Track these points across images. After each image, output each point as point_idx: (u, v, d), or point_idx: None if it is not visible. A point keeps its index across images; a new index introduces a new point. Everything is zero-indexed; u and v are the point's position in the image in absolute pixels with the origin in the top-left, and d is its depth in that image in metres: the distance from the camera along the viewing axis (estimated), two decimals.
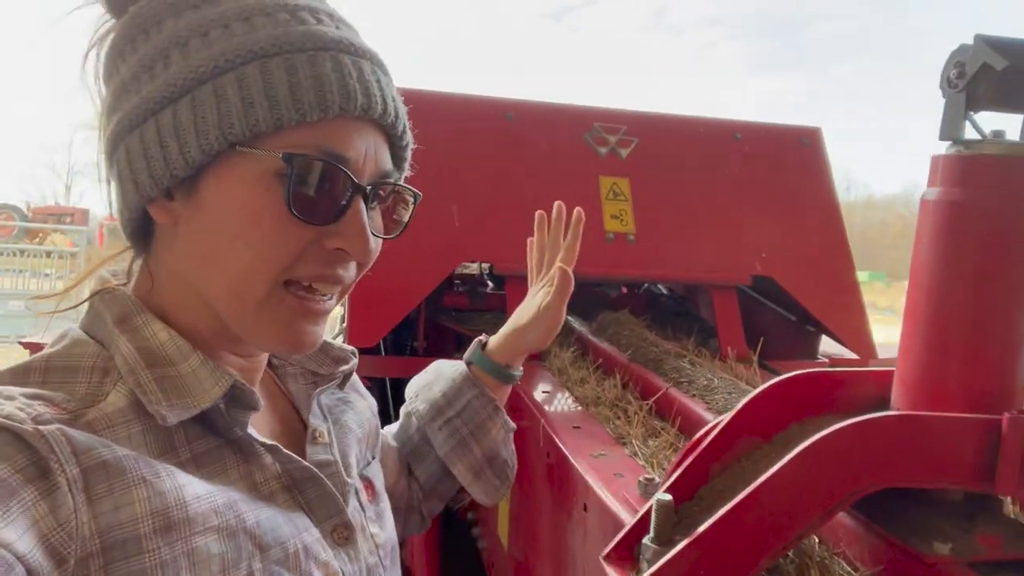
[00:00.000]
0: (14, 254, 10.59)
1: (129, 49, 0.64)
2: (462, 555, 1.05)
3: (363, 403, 0.91)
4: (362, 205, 0.65)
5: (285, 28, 0.62)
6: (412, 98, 1.81)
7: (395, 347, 2.06)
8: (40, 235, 15.03)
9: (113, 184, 0.67)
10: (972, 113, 0.67)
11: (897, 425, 0.66)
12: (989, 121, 0.67)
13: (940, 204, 0.69)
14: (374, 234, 0.67)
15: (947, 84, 0.69)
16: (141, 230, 0.68)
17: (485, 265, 2.09)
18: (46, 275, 10.37)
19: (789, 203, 1.93)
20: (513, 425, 1.04)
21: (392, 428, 1.08)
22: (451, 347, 2.02)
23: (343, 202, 0.63)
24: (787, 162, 1.96)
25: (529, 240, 1.13)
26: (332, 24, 0.65)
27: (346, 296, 0.72)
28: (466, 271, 2.21)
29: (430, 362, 1.88)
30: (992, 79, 0.64)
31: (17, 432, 0.52)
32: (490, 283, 2.14)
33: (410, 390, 1.06)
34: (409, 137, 0.72)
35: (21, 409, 0.54)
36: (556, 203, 1.11)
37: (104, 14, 0.68)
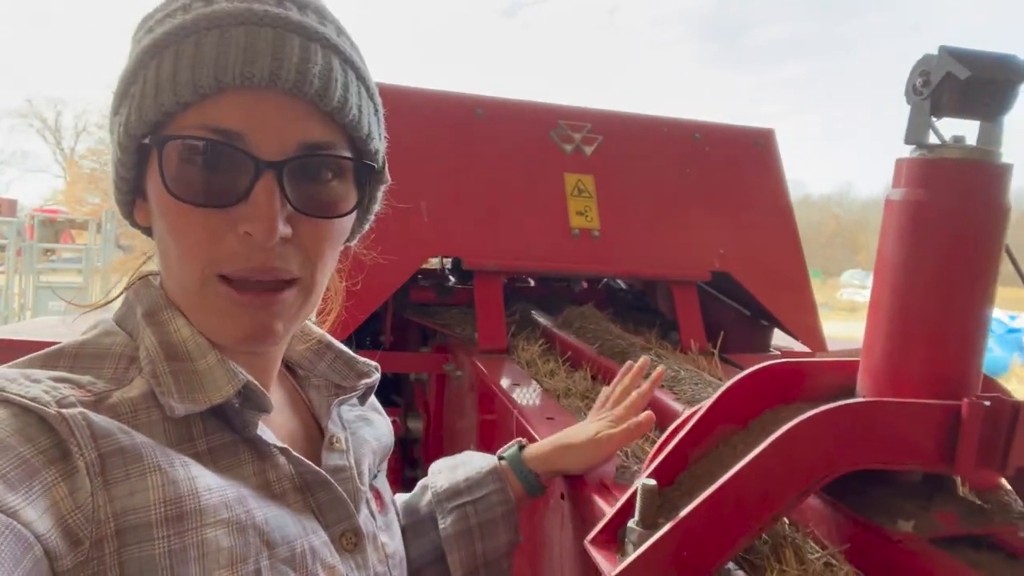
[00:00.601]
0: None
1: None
2: None
3: (381, 420, 0.90)
4: (273, 183, 0.60)
5: (188, 15, 0.60)
6: (382, 92, 1.81)
7: (360, 341, 2.06)
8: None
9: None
10: (935, 119, 0.72)
11: (866, 411, 0.70)
12: (950, 127, 0.72)
13: (904, 204, 0.73)
14: (305, 212, 0.62)
15: (912, 91, 0.73)
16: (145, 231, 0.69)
17: (447, 260, 2.11)
18: None
19: (745, 202, 1.99)
20: (520, 539, 0.96)
21: (400, 498, 1.02)
22: (417, 340, 2.03)
23: (247, 181, 0.59)
24: (743, 162, 2.03)
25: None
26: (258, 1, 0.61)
27: (312, 291, 0.67)
28: (427, 266, 2.21)
29: (397, 355, 1.91)
30: (955, 88, 0.68)
31: (41, 414, 0.53)
32: (452, 278, 2.16)
33: (435, 467, 1.02)
34: (355, 114, 0.64)
35: (47, 392, 0.55)
36: (643, 359, 1.10)
37: None
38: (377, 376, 0.85)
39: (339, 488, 0.71)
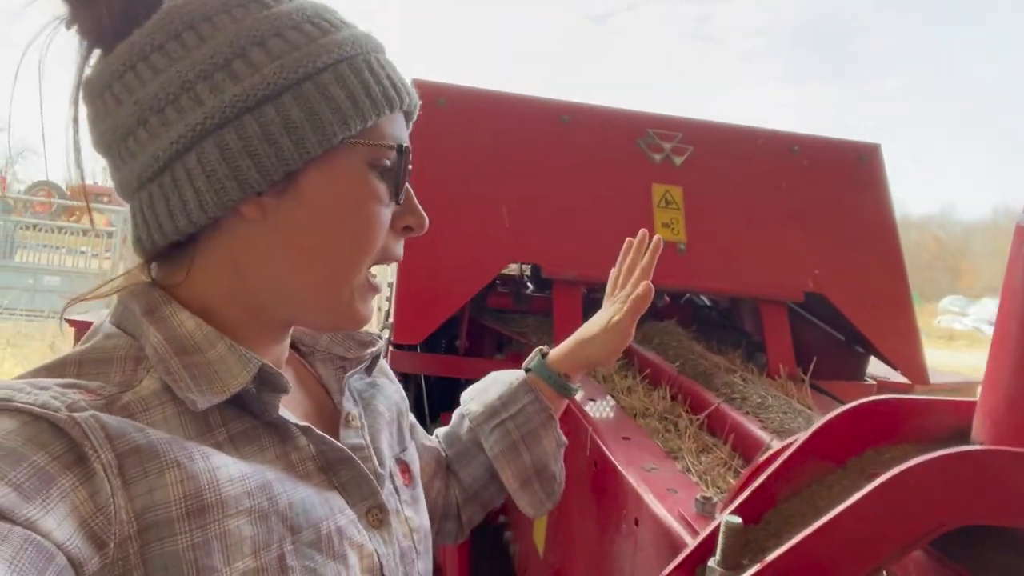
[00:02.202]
0: (52, 230, 10.80)
1: (176, 46, 0.63)
2: (492, 558, 1.03)
3: (391, 387, 0.91)
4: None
5: (349, 31, 0.67)
6: (468, 96, 1.81)
7: (436, 345, 2.06)
8: (77, 213, 15.27)
9: (174, 188, 0.64)
10: None
11: (988, 460, 0.63)
12: None
13: None
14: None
15: None
16: (179, 236, 0.68)
17: (526, 267, 2.08)
18: (82, 252, 10.56)
19: (845, 220, 1.88)
20: (565, 440, 1.02)
21: (441, 431, 1.07)
22: (492, 347, 2.01)
23: (401, 184, 0.70)
24: (844, 178, 1.92)
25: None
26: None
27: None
28: (506, 272, 2.19)
29: (471, 361, 1.89)
30: None
31: (52, 420, 0.53)
32: (530, 285, 2.13)
33: (466, 395, 1.05)
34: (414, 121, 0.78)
35: (56, 398, 0.55)
36: (641, 231, 1.12)
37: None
38: (381, 344, 0.86)
39: (362, 465, 0.72)
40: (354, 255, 0.68)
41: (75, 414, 0.54)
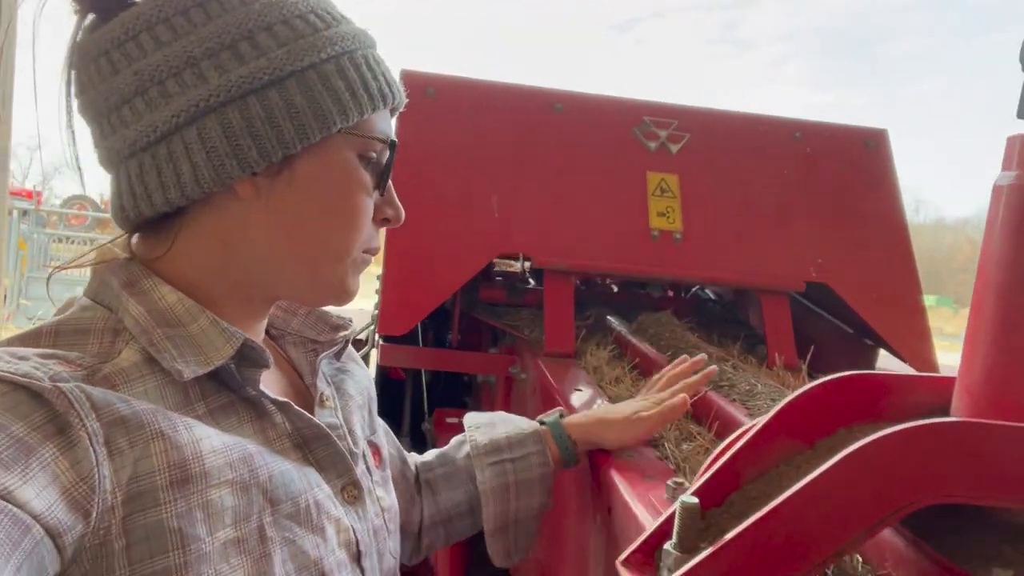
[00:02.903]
0: (85, 243, 11.02)
1: (183, 21, 0.64)
2: (484, 557, 1.00)
3: (360, 372, 0.91)
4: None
5: (349, 26, 0.70)
6: (458, 86, 1.79)
7: (438, 340, 2.03)
8: (111, 226, 15.59)
9: (169, 159, 0.64)
10: None
11: (957, 433, 0.58)
12: None
13: (1016, 189, 0.61)
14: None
15: None
16: (166, 209, 0.68)
17: (527, 263, 2.05)
18: None
19: (850, 208, 1.82)
20: (551, 504, 1.00)
21: (433, 451, 1.05)
22: (486, 341, 1.98)
23: (385, 176, 0.73)
24: (849, 165, 1.86)
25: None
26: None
27: None
28: (508, 269, 2.17)
29: (463, 355, 1.87)
30: None
31: (35, 389, 0.53)
32: (531, 280, 2.10)
33: (469, 422, 1.04)
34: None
35: (37, 368, 0.55)
36: (702, 355, 1.13)
37: None
38: (353, 327, 0.86)
39: (338, 442, 0.73)
40: (343, 240, 0.70)
41: (59, 384, 0.54)
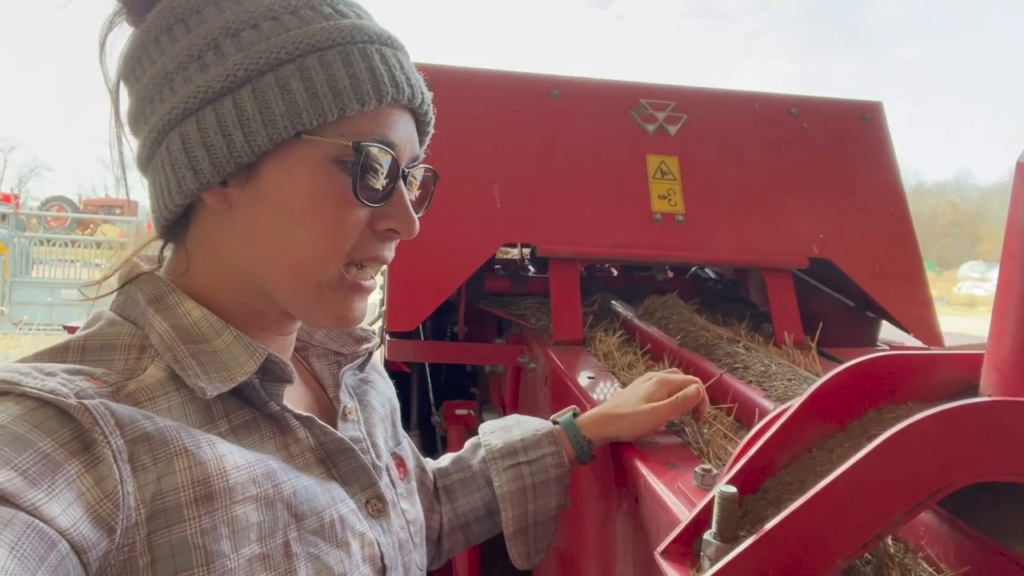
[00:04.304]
0: (66, 244, 10.89)
1: (167, 39, 0.65)
2: (502, 548, 1.00)
3: (383, 383, 0.91)
4: (403, 187, 0.69)
5: (334, 22, 0.65)
6: (454, 77, 1.77)
7: (436, 332, 2.03)
8: (91, 226, 15.45)
9: (159, 172, 0.67)
10: None
11: (992, 412, 0.59)
12: None
13: None
14: (417, 213, 0.71)
15: None
16: (183, 215, 0.70)
17: (526, 249, 2.04)
18: (97, 265, 10.65)
19: (848, 182, 1.82)
20: (568, 504, 1.00)
21: (449, 455, 1.05)
22: (492, 332, 1.98)
23: (390, 184, 0.67)
24: (846, 139, 1.86)
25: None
26: (367, 18, 0.69)
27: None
28: (507, 256, 2.16)
29: (470, 347, 1.86)
30: None
31: (61, 406, 0.53)
32: (531, 267, 2.09)
33: (485, 427, 1.04)
34: (432, 121, 0.76)
35: (63, 384, 0.55)
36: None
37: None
38: (376, 340, 0.86)
39: (362, 456, 0.72)
40: (314, 253, 0.65)
41: (84, 401, 0.54)
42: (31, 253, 10.74)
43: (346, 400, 0.79)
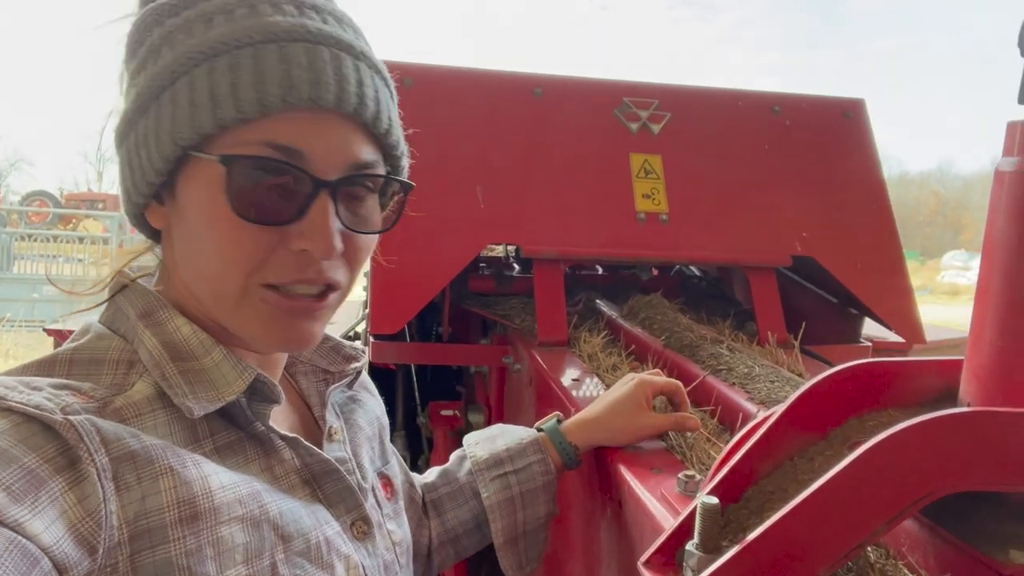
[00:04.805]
0: (48, 240, 10.78)
1: (129, 56, 0.65)
2: (489, 554, 1.00)
3: (372, 401, 0.90)
4: (328, 202, 0.61)
5: (236, 24, 0.60)
6: (435, 75, 1.76)
7: (421, 332, 2.02)
8: (73, 221, 15.29)
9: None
10: None
11: (972, 422, 0.59)
12: None
13: (1019, 175, 0.61)
14: (354, 229, 0.64)
15: None
16: (148, 231, 0.70)
17: (510, 248, 2.04)
18: (79, 260, 10.54)
19: (831, 180, 1.83)
20: (557, 511, 0.99)
21: (436, 468, 1.04)
22: (476, 332, 1.97)
23: (303, 199, 0.61)
24: (829, 136, 1.86)
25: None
26: (301, 14, 0.62)
27: (348, 293, 0.69)
28: (491, 254, 2.15)
29: (455, 347, 1.86)
30: None
31: (46, 422, 0.52)
32: (516, 266, 2.09)
33: (469, 439, 1.03)
34: (397, 134, 0.69)
35: (49, 399, 0.54)
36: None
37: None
38: (365, 360, 0.85)
39: (347, 477, 0.71)
40: (219, 273, 0.62)
41: (70, 417, 0.53)
42: (12, 249, 10.62)
43: (332, 420, 0.78)
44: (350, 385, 0.84)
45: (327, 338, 0.81)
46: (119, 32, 0.67)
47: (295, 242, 0.61)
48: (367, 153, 0.64)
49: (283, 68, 0.58)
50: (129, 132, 0.63)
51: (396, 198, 0.73)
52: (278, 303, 0.63)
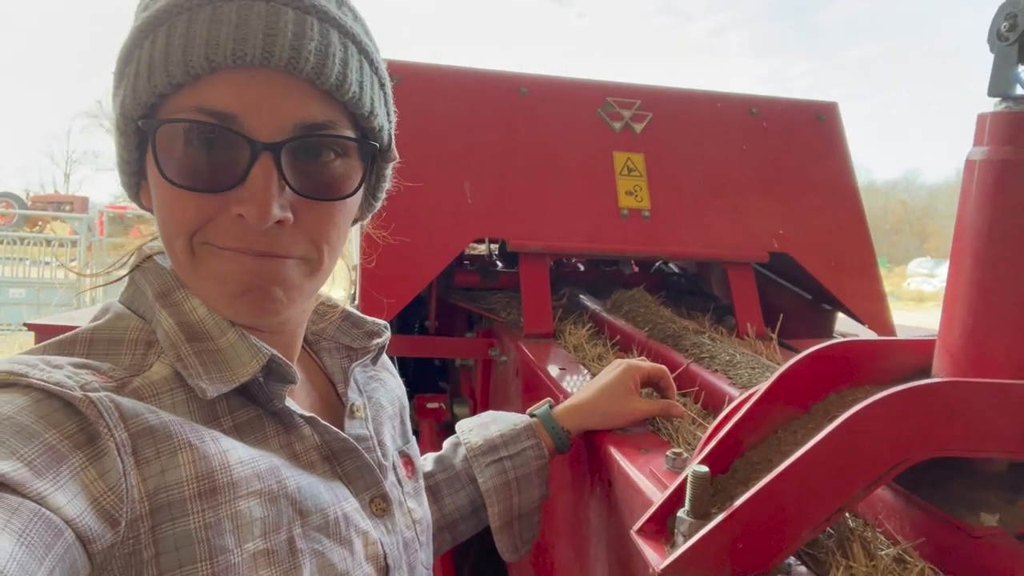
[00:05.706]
0: (14, 242, 10.55)
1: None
2: (477, 535, 1.02)
3: (393, 381, 0.91)
4: (272, 166, 0.58)
5: None
6: (424, 73, 1.78)
7: (404, 326, 2.04)
8: (40, 223, 14.99)
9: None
10: (1023, 68, 0.64)
11: (947, 392, 0.63)
12: None
13: (988, 163, 0.66)
14: (306, 195, 0.61)
15: (997, 37, 0.66)
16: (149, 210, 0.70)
17: (494, 245, 2.07)
18: (46, 263, 10.33)
19: (806, 180, 1.89)
20: (550, 494, 1.02)
21: (431, 455, 1.05)
22: (462, 326, 2.00)
23: (243, 163, 0.58)
24: (804, 138, 1.93)
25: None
26: None
27: (319, 269, 0.65)
28: (474, 251, 2.18)
29: (442, 340, 1.88)
30: None
31: (67, 399, 0.53)
32: (499, 263, 2.12)
33: (462, 426, 1.04)
34: (361, 93, 0.63)
35: (69, 377, 0.55)
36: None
37: None
38: (387, 335, 0.84)
39: (366, 455, 0.72)
40: (169, 238, 0.62)
41: (90, 394, 0.54)
42: None
43: (354, 397, 0.78)
44: (374, 361, 0.85)
45: (347, 313, 0.81)
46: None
47: (233, 207, 0.59)
48: (319, 113, 0.60)
49: (212, 28, 0.56)
50: (113, 113, 0.64)
51: (379, 168, 0.71)
52: (223, 256, 0.61)
